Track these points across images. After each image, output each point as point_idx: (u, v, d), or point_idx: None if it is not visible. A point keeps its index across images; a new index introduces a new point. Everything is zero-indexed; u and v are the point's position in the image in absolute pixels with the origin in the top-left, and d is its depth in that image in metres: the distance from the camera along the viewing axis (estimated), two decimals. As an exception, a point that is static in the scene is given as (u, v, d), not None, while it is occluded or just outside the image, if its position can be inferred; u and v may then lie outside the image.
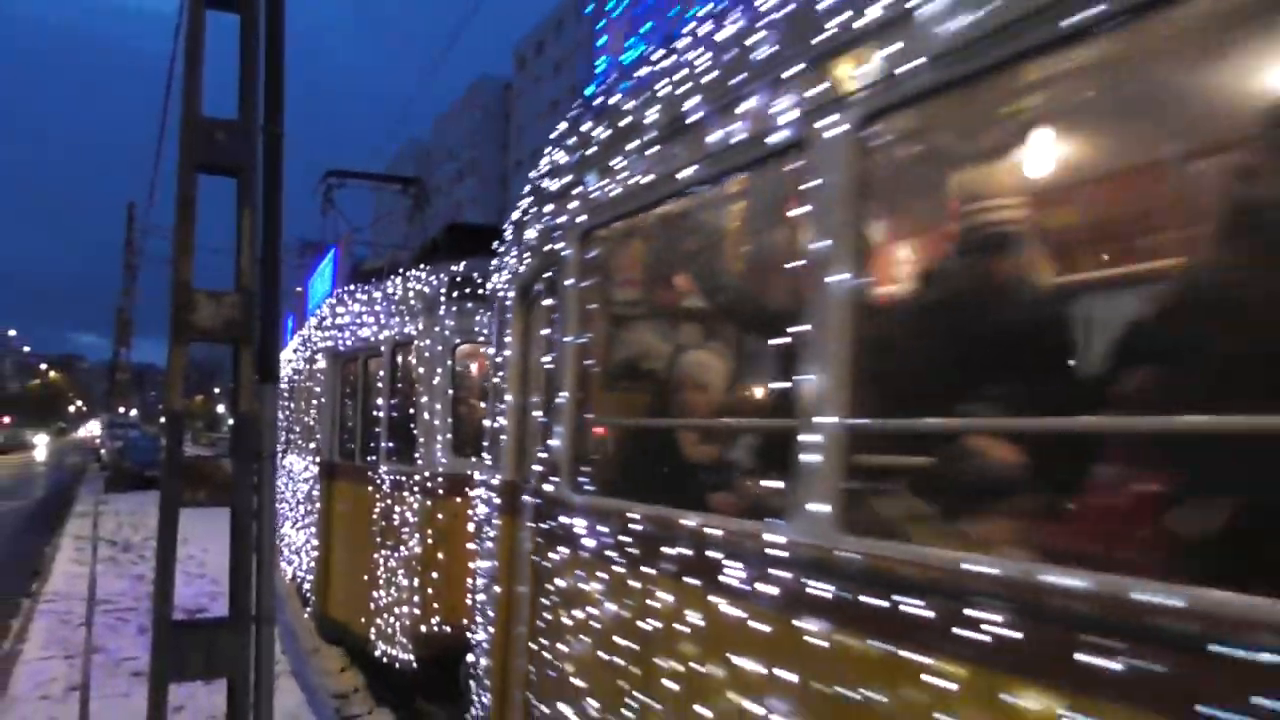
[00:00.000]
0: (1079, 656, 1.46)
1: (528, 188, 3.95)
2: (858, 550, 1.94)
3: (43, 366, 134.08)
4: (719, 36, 2.58)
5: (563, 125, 3.68)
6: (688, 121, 2.68)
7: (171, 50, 7.53)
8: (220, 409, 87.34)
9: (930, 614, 1.74)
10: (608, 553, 2.98)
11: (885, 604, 1.84)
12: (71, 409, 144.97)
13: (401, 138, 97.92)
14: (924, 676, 1.74)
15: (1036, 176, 2.28)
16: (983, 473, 1.98)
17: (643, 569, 2.76)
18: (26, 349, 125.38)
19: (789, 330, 2.18)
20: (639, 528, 2.81)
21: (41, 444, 77.72)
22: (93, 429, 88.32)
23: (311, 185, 11.80)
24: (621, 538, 2.88)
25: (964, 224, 2.31)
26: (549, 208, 3.64)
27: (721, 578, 2.35)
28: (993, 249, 2.23)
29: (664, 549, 2.65)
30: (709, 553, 2.42)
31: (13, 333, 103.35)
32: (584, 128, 3.44)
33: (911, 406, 2.00)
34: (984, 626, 1.62)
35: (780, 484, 2.21)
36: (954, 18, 1.80)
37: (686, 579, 2.53)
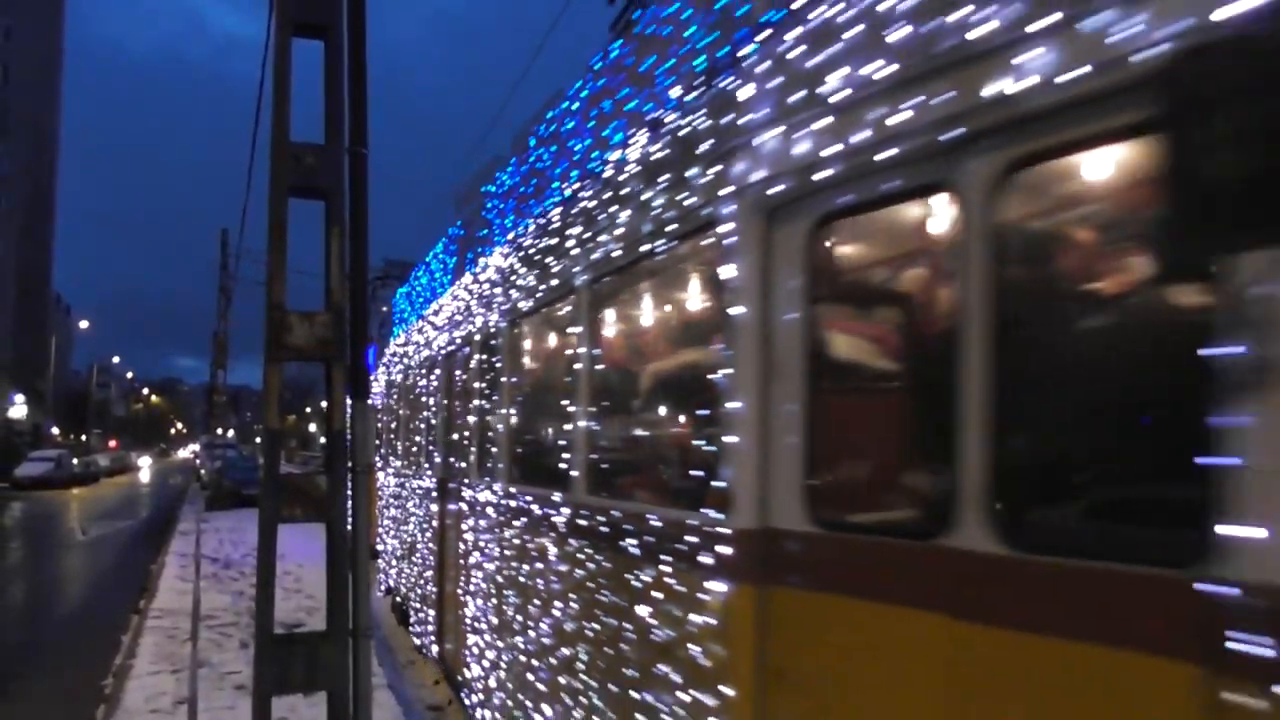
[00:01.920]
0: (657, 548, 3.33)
1: None
2: (595, 505, 3.98)
3: (145, 391, 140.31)
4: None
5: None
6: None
7: (258, 76, 7.76)
8: (312, 428, 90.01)
9: (610, 530, 3.74)
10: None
11: (606, 529, 3.79)
12: (172, 431, 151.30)
13: (484, 155, 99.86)
14: (614, 566, 3.71)
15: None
16: (633, 460, 4.15)
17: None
18: (130, 374, 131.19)
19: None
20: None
21: (145, 465, 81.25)
22: (192, 450, 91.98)
23: (395, 203, 12.11)
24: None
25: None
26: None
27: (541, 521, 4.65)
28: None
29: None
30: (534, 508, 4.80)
31: (116, 359, 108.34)
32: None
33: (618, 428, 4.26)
34: (628, 539, 3.56)
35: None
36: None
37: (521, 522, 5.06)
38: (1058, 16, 1.89)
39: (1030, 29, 1.95)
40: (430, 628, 7.79)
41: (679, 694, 3.08)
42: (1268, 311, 1.59)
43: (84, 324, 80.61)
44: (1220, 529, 1.63)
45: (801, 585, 2.64)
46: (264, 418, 4.23)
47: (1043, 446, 2.14)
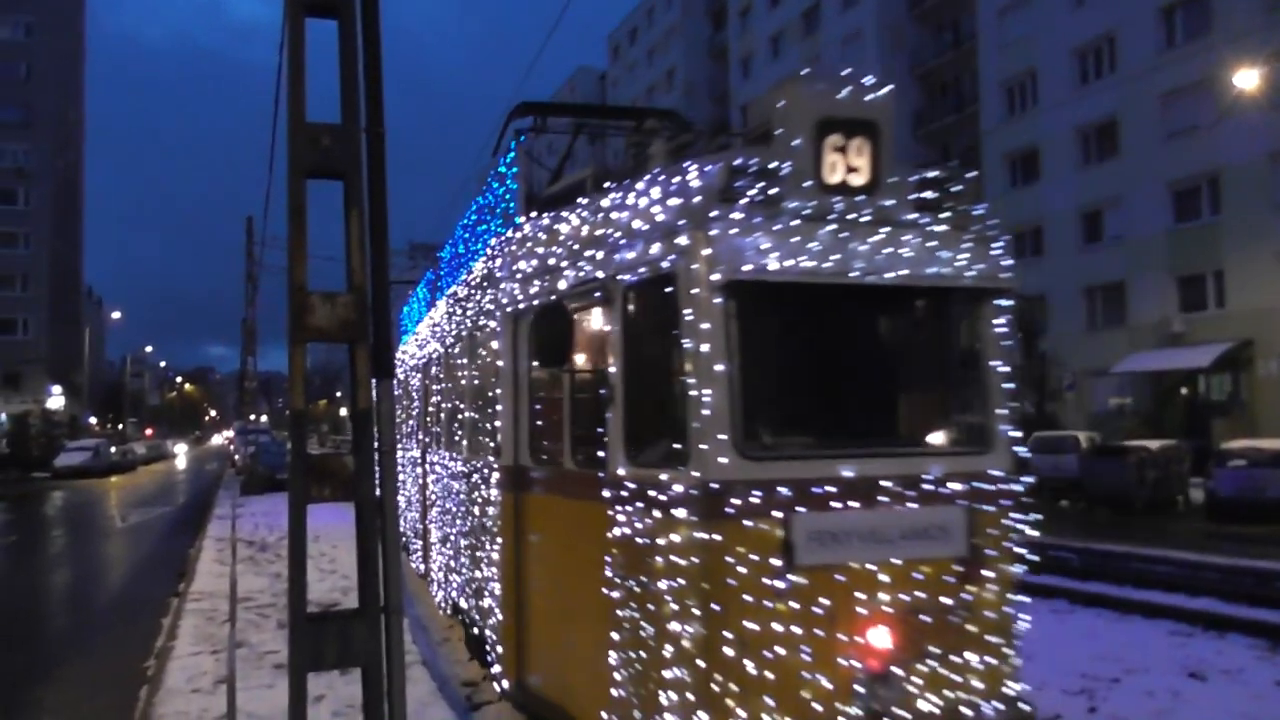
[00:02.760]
0: (480, 477, 7.22)
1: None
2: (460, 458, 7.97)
3: (178, 379, 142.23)
4: None
5: None
6: None
7: (276, 62, 7.77)
8: (343, 412, 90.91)
9: (466, 470, 7.75)
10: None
11: (464, 469, 7.77)
12: (206, 418, 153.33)
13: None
14: (468, 486, 7.61)
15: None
16: (469, 434, 7.68)
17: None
18: (163, 364, 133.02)
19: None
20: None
21: (181, 453, 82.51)
22: (226, 436, 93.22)
23: (415, 183, 13.00)
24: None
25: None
26: None
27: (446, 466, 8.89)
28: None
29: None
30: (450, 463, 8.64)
31: (150, 349, 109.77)
32: None
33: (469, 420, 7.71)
34: (474, 474, 7.33)
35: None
36: None
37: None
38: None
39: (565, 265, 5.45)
40: (416, 543, 11.40)
41: (488, 542, 6.65)
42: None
43: (116, 315, 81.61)
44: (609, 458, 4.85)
45: (536, 492, 5.87)
46: (290, 399, 4.26)
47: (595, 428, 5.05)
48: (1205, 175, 31.05)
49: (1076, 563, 12.93)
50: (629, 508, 4.65)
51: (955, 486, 4.56)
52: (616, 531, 4.75)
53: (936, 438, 5.04)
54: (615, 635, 4.73)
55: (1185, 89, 31.50)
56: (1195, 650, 8.20)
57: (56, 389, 63.34)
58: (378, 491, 4.25)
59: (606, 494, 4.81)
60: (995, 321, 4.97)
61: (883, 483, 4.39)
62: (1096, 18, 35.01)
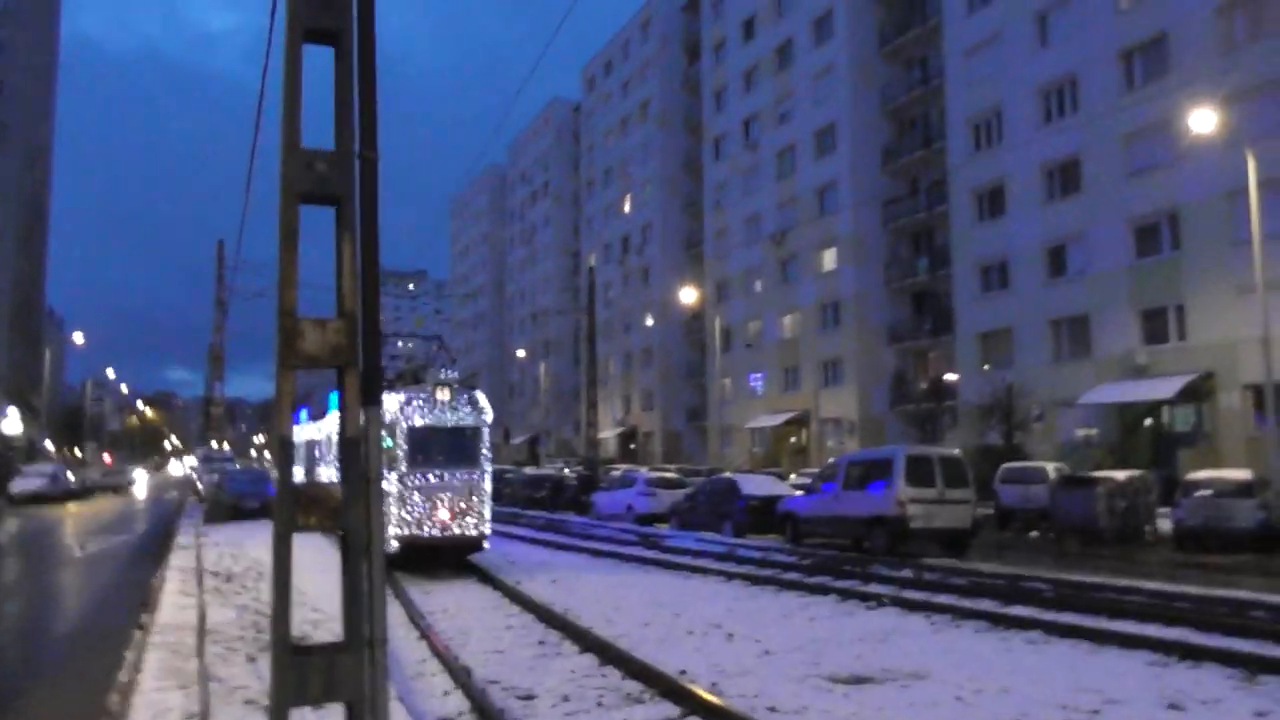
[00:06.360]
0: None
1: None
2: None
3: (139, 404, 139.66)
4: None
5: None
6: None
7: (248, 77, 7.72)
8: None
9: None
10: None
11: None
12: (166, 444, 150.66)
13: (478, 166, 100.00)
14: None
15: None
16: None
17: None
18: (124, 388, 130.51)
19: None
20: None
21: (141, 480, 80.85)
22: (188, 463, 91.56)
23: (401, 213, 14.33)
24: None
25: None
26: None
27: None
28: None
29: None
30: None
31: (111, 373, 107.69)
32: None
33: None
34: None
35: None
36: None
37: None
38: None
39: None
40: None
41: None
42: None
43: (78, 337, 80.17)
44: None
45: None
46: (276, 425, 4.19)
47: None
48: (1165, 212, 31.83)
49: (1050, 593, 13.01)
50: None
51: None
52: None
53: None
54: None
55: (1145, 129, 32.34)
56: (1173, 680, 8.24)
57: (13, 411, 61.90)
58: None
59: None
60: None
61: None
62: (1059, 59, 35.91)
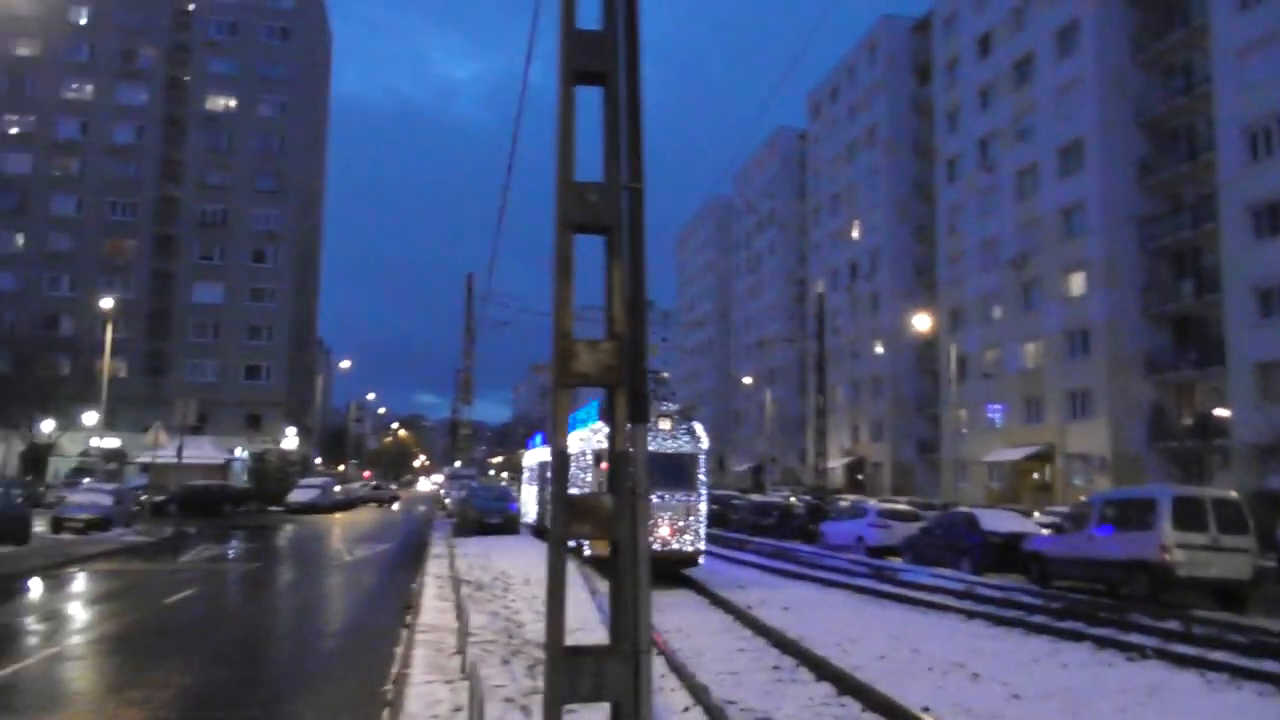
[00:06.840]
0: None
1: None
2: None
3: (394, 425, 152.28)
4: None
5: None
6: None
7: (493, 126, 8.33)
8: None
9: None
10: None
11: None
12: (415, 463, 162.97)
13: (703, 200, 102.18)
14: None
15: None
16: None
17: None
18: (381, 410, 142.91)
19: None
20: None
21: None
22: (435, 480, 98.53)
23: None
24: None
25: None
26: None
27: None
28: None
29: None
30: None
31: (371, 396, 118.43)
32: None
33: None
34: None
35: None
36: None
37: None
38: None
39: None
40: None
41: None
42: None
43: (345, 364, 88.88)
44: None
45: None
46: (552, 440, 4.51)
47: None
48: None
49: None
50: None
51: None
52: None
53: None
54: None
55: None
56: None
57: (291, 430, 69.27)
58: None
59: None
60: None
61: None
62: (1357, 53, 31.89)
